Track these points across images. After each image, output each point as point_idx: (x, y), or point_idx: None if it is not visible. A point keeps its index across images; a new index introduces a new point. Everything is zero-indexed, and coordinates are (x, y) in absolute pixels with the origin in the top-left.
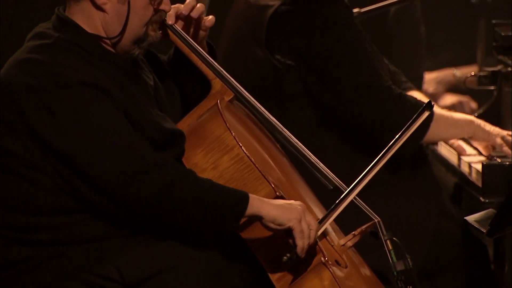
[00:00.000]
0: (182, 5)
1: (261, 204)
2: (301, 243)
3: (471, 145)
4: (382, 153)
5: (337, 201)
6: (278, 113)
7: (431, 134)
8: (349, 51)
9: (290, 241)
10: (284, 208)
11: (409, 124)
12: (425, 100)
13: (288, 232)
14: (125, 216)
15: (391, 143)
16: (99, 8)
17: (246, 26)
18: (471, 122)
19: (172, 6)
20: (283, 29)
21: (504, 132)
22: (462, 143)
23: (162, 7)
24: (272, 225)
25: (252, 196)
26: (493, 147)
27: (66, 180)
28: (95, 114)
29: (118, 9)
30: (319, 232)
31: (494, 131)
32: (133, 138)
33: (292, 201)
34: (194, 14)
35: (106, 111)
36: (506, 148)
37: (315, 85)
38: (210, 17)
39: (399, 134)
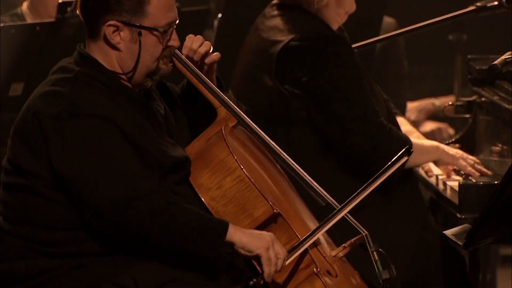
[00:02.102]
0: (192, 42)
1: (234, 232)
2: (268, 270)
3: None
4: (367, 184)
5: (325, 220)
6: (283, 137)
7: (408, 161)
8: (349, 87)
9: (258, 268)
10: (254, 237)
11: (391, 163)
12: (406, 133)
13: (257, 259)
14: (115, 237)
15: (374, 176)
16: (114, 47)
17: (258, 59)
18: (437, 147)
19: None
20: (291, 62)
21: (465, 155)
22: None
23: (171, 43)
24: (242, 251)
25: (230, 225)
26: (456, 169)
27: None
28: (99, 144)
29: (130, 47)
30: (287, 262)
31: (457, 154)
32: (130, 168)
33: (262, 232)
34: (202, 50)
35: (112, 141)
36: (469, 169)
37: (317, 114)
38: (216, 53)
39: (384, 168)
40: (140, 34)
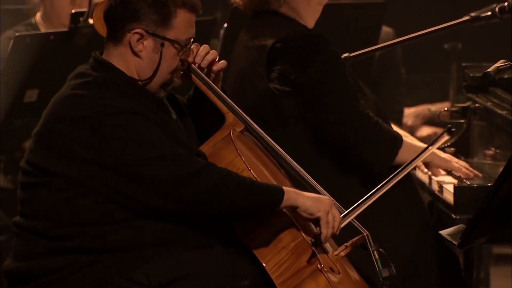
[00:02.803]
0: (199, 49)
1: (297, 196)
2: (325, 231)
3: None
4: (378, 187)
5: (350, 209)
6: (278, 136)
7: (399, 158)
8: (332, 80)
9: (317, 228)
10: (316, 200)
11: (413, 159)
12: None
13: (316, 221)
14: (182, 215)
15: (388, 178)
16: (135, 54)
17: (247, 65)
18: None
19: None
20: (278, 63)
21: (455, 159)
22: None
23: (187, 58)
24: (304, 214)
25: (288, 189)
26: (449, 172)
27: (119, 193)
28: (139, 132)
29: (151, 57)
30: (343, 225)
31: (448, 158)
32: (178, 148)
33: (321, 196)
34: (209, 57)
35: (149, 128)
36: (463, 170)
37: (307, 110)
38: (223, 61)
39: (398, 170)
40: (162, 45)
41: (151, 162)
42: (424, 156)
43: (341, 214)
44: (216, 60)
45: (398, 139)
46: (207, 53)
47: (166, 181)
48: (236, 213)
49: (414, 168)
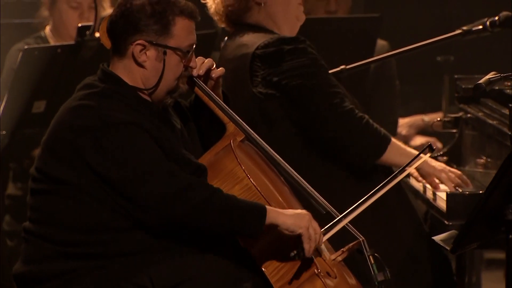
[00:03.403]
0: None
1: (278, 215)
2: (308, 246)
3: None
4: (374, 191)
5: (332, 222)
6: (266, 138)
7: (385, 157)
8: (316, 79)
9: (299, 243)
10: (296, 217)
11: (411, 161)
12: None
13: (298, 237)
14: (166, 230)
15: (384, 181)
16: (139, 64)
17: (231, 75)
18: (420, 157)
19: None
20: (261, 67)
21: (447, 168)
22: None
23: (191, 64)
24: (286, 232)
25: (269, 208)
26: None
27: (117, 202)
28: (138, 147)
29: (155, 66)
30: (324, 238)
31: (439, 167)
32: (169, 165)
33: (300, 211)
34: (206, 64)
35: (147, 144)
36: (449, 183)
37: (292, 110)
38: (221, 68)
39: (393, 175)
40: (165, 53)
41: (139, 178)
42: (411, 169)
43: (333, 219)
44: (213, 67)
45: (387, 137)
46: (202, 62)
47: (154, 197)
48: (221, 231)
49: (408, 176)
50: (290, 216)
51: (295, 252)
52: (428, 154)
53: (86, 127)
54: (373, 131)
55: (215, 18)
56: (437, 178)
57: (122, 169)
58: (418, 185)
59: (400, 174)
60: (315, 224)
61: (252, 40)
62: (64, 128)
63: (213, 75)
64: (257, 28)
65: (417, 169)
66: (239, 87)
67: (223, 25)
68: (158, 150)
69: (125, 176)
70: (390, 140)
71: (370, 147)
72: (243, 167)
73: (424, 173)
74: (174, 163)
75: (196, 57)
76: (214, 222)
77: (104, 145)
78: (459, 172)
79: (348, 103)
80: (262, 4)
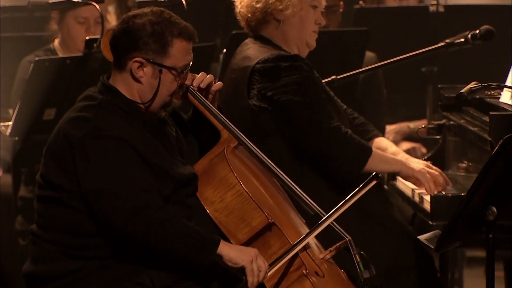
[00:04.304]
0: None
1: (223, 247)
2: (251, 280)
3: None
4: (346, 199)
5: (308, 232)
6: (260, 148)
7: (368, 167)
8: (306, 96)
9: (244, 277)
10: (240, 251)
11: (354, 193)
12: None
13: (242, 270)
14: (125, 244)
15: (352, 193)
16: (136, 80)
17: (233, 85)
18: (400, 161)
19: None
20: (258, 81)
21: (426, 169)
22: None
23: (185, 82)
24: (229, 264)
25: (221, 241)
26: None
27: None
28: (116, 162)
29: (151, 82)
30: (270, 273)
31: (417, 168)
32: (141, 183)
33: (247, 247)
34: (208, 80)
35: (126, 161)
36: (427, 186)
37: (282, 123)
38: (219, 82)
39: (345, 200)
40: (161, 71)
41: (108, 192)
42: (361, 194)
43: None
44: (213, 82)
45: (368, 149)
46: (204, 78)
47: (116, 210)
48: (171, 257)
49: (395, 179)
50: (234, 250)
51: (240, 285)
52: (373, 183)
53: (79, 137)
54: (355, 146)
55: (238, 18)
56: (418, 179)
57: (95, 181)
58: (406, 189)
59: (351, 199)
60: (260, 261)
61: (255, 54)
62: (62, 138)
63: (213, 89)
64: (267, 42)
65: (397, 173)
66: (238, 97)
67: (244, 27)
68: (138, 167)
69: (97, 188)
70: (371, 152)
71: (353, 160)
72: (235, 174)
73: (404, 176)
74: (151, 182)
75: (198, 71)
76: (166, 247)
77: (87, 155)
78: (439, 170)
79: (335, 120)
80: (280, 22)
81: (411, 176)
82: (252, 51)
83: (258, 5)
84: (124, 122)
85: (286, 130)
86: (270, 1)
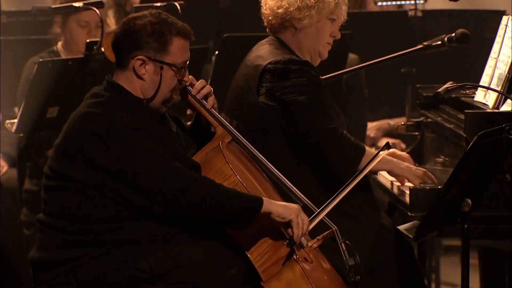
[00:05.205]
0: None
1: (270, 204)
2: (297, 232)
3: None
4: (344, 186)
5: (316, 212)
6: (262, 144)
7: (362, 164)
8: (310, 99)
9: (289, 230)
10: (286, 207)
11: (369, 161)
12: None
13: (288, 224)
14: (174, 219)
15: (352, 177)
16: (139, 77)
17: (244, 81)
18: (391, 160)
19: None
20: (267, 81)
21: (414, 168)
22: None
23: (184, 78)
24: (277, 219)
25: (264, 199)
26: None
27: (120, 196)
28: (144, 148)
29: (153, 79)
30: (310, 227)
31: (406, 168)
32: (174, 162)
33: (290, 204)
34: (204, 91)
35: (152, 145)
36: (416, 182)
37: (286, 121)
38: (212, 97)
39: (360, 171)
40: (162, 68)
41: (150, 175)
42: (373, 164)
43: (311, 215)
44: (211, 94)
45: (361, 148)
46: (202, 87)
47: (163, 192)
48: (223, 219)
49: (376, 173)
50: (281, 206)
51: (286, 241)
52: (386, 151)
53: (92, 132)
54: (350, 145)
55: (262, 18)
56: (405, 178)
57: (134, 167)
58: (386, 182)
59: (364, 170)
60: (303, 215)
61: (268, 55)
62: (73, 133)
63: (209, 103)
64: (283, 45)
65: (388, 171)
66: (247, 93)
67: (266, 26)
68: (163, 150)
69: (135, 174)
70: (364, 151)
71: (348, 159)
72: (230, 166)
73: (394, 175)
74: (177, 162)
75: (192, 72)
76: (217, 212)
77: (112, 148)
78: (424, 170)
79: (334, 122)
80: (297, 29)
81: (400, 174)
82: (265, 52)
83: (279, 11)
84: (133, 115)
85: (288, 127)
86: (290, 9)
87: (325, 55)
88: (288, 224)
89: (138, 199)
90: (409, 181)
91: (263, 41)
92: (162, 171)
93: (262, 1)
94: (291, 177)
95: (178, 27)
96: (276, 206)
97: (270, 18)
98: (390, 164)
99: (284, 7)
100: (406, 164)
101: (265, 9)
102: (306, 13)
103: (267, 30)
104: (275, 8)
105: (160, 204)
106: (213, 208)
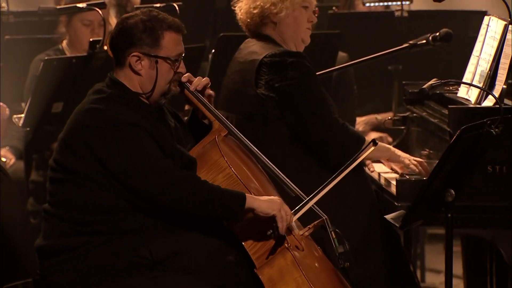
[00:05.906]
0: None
1: (254, 201)
2: (281, 225)
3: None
4: (334, 175)
5: (300, 205)
6: (262, 134)
7: None
8: (309, 89)
9: (274, 224)
10: (269, 202)
11: (359, 153)
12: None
13: (272, 218)
14: (163, 214)
15: (342, 168)
16: (136, 73)
17: (240, 76)
18: (389, 149)
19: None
20: (266, 73)
21: (411, 157)
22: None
23: (180, 70)
24: (261, 214)
25: (248, 196)
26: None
27: (121, 190)
28: (139, 144)
29: (149, 73)
30: (294, 218)
31: (404, 156)
32: (165, 161)
33: (273, 197)
34: (204, 82)
35: (147, 142)
36: (412, 167)
37: (286, 111)
38: (206, 78)
39: (351, 160)
40: (157, 62)
41: (142, 172)
42: (359, 161)
43: (299, 204)
44: (208, 87)
45: (361, 138)
46: (200, 82)
47: (153, 188)
48: (208, 216)
49: (365, 165)
50: (264, 201)
51: (270, 231)
52: (372, 148)
53: (95, 126)
54: (350, 135)
55: (240, 24)
56: (404, 165)
57: (125, 163)
58: (373, 174)
59: (350, 166)
60: (286, 207)
61: (261, 50)
62: (77, 127)
63: (207, 93)
64: (269, 40)
65: (388, 159)
66: (246, 87)
67: (245, 31)
68: (157, 148)
69: (128, 170)
70: (364, 140)
71: (348, 149)
72: (225, 159)
73: (393, 162)
74: (170, 159)
75: (189, 70)
76: (201, 211)
77: (110, 143)
78: (421, 160)
79: (334, 112)
80: (277, 23)
81: (398, 161)
82: (258, 47)
83: (256, 11)
84: (133, 111)
85: (289, 118)
86: (266, 6)
87: (308, 40)
88: (272, 218)
89: (128, 193)
90: (406, 167)
91: (249, 39)
92: (152, 168)
93: (236, 9)
94: (291, 164)
95: (168, 22)
96: (259, 202)
97: (248, 20)
98: (389, 152)
99: (259, 6)
100: (404, 154)
101: (241, 14)
102: (282, 6)
103: (247, 33)
104: (251, 9)
105: (147, 200)
106: (196, 207)
